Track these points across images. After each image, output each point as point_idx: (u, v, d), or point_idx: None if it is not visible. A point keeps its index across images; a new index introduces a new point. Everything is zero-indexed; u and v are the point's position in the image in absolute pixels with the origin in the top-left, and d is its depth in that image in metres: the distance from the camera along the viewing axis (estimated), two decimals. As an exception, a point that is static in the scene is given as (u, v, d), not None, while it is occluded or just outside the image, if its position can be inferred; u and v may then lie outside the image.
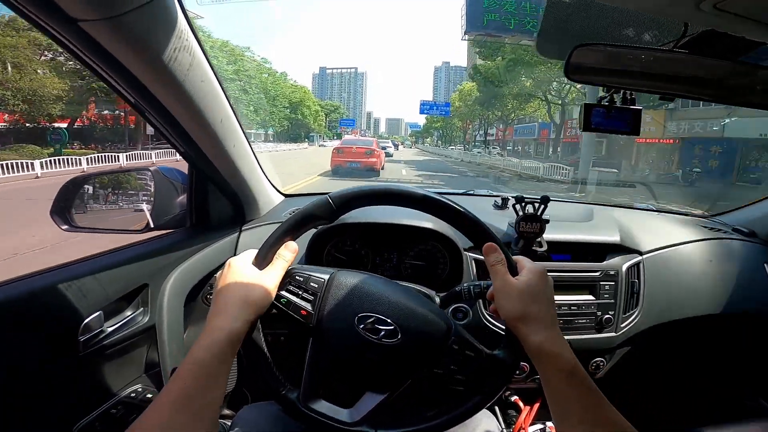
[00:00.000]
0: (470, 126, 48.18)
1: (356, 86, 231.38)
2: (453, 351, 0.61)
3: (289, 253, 0.60)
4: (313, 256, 1.05)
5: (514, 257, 0.62)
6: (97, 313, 0.74)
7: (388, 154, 28.25)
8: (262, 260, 0.59)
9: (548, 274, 0.60)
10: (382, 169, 15.80)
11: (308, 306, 0.60)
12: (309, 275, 0.62)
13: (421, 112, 41.18)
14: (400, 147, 61.50)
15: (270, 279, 0.58)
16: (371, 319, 0.60)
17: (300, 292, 0.61)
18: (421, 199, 0.64)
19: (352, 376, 0.62)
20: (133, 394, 0.86)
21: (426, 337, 0.61)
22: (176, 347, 0.90)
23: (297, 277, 0.61)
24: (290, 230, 0.61)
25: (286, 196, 1.33)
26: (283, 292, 0.60)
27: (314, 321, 0.60)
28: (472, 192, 1.58)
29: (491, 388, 0.61)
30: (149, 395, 0.88)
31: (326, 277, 0.62)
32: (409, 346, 0.60)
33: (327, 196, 0.62)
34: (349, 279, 0.63)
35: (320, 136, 65.16)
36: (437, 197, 0.64)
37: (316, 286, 0.61)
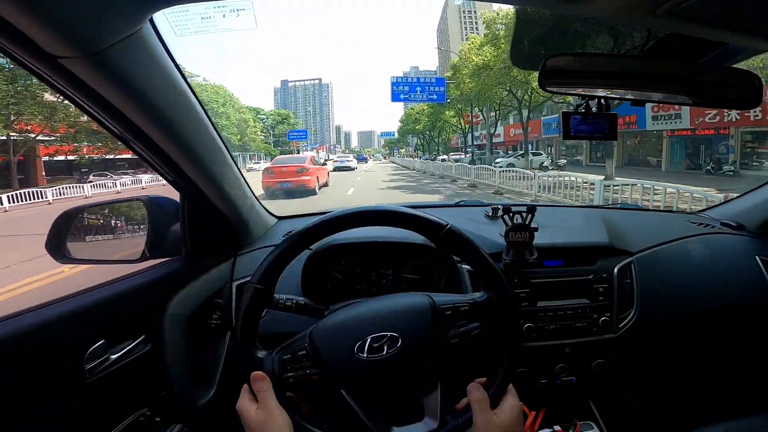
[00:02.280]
0: (478, 119, 27.59)
1: (322, 98, 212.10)
2: (449, 316, 0.63)
3: (261, 383, 0.60)
4: (308, 278, 1.06)
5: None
6: (101, 342, 0.75)
7: (350, 168, 26.49)
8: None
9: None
10: (326, 185, 14.19)
11: (314, 369, 0.61)
12: (292, 347, 0.63)
13: (394, 98, 20.86)
14: (370, 161, 51.06)
15: (274, 416, 0.58)
16: (367, 342, 0.61)
17: (297, 365, 0.62)
18: (351, 217, 0.65)
19: (396, 394, 0.64)
20: (141, 418, 0.86)
21: (420, 321, 0.63)
22: (180, 371, 0.91)
23: (285, 357, 0.62)
24: (245, 330, 0.63)
25: (279, 218, 1.35)
26: (286, 374, 0.61)
27: (328, 377, 0.61)
28: (463, 203, 1.60)
29: (508, 329, 0.63)
30: (157, 419, 0.88)
31: (306, 338, 0.64)
32: (413, 338, 0.62)
33: (249, 283, 0.63)
34: (326, 324, 0.65)
35: (256, 155, 44.46)
36: (365, 208, 0.65)
37: (304, 351, 0.62)
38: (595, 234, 1.17)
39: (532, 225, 1.03)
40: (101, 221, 1.03)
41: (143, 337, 0.86)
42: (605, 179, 8.41)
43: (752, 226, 1.31)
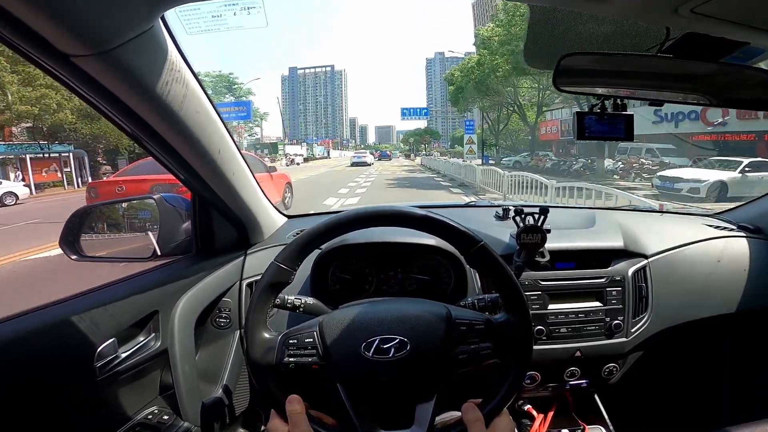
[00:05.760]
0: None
1: (334, 87, 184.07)
2: (463, 331, 0.63)
3: (296, 405, 0.60)
4: (317, 278, 1.06)
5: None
6: (111, 340, 0.76)
7: (365, 164, 25.59)
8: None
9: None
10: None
11: (316, 359, 0.62)
12: (300, 333, 0.64)
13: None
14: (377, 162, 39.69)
15: None
16: (375, 343, 0.61)
17: (301, 352, 0.62)
18: (374, 216, 0.65)
19: (391, 397, 0.63)
20: (149, 416, 0.88)
21: (433, 330, 0.63)
22: (189, 369, 0.92)
23: (291, 341, 0.63)
24: (258, 310, 0.64)
25: (289, 217, 1.35)
26: (287, 359, 0.62)
27: (328, 369, 0.62)
28: (474, 203, 1.58)
29: (521, 356, 0.63)
30: (165, 416, 0.89)
31: (316, 327, 0.64)
32: (423, 347, 0.61)
33: (273, 261, 0.65)
34: (338, 317, 0.65)
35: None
36: (390, 208, 0.65)
37: (311, 339, 0.63)
38: (609, 236, 1.15)
39: (545, 227, 1.01)
40: (114, 219, 1.04)
41: (153, 335, 0.87)
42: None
43: None
